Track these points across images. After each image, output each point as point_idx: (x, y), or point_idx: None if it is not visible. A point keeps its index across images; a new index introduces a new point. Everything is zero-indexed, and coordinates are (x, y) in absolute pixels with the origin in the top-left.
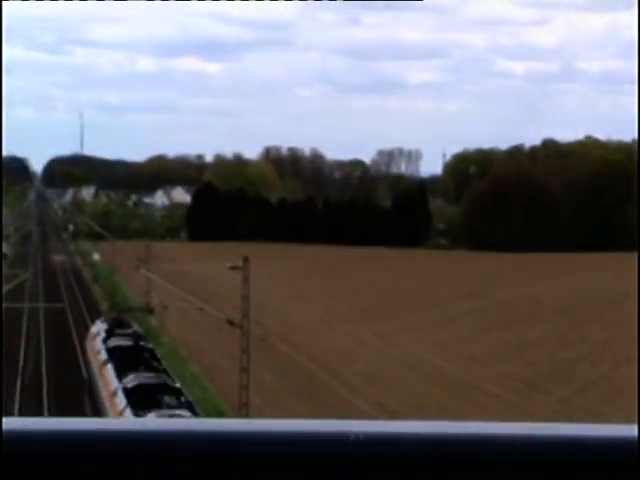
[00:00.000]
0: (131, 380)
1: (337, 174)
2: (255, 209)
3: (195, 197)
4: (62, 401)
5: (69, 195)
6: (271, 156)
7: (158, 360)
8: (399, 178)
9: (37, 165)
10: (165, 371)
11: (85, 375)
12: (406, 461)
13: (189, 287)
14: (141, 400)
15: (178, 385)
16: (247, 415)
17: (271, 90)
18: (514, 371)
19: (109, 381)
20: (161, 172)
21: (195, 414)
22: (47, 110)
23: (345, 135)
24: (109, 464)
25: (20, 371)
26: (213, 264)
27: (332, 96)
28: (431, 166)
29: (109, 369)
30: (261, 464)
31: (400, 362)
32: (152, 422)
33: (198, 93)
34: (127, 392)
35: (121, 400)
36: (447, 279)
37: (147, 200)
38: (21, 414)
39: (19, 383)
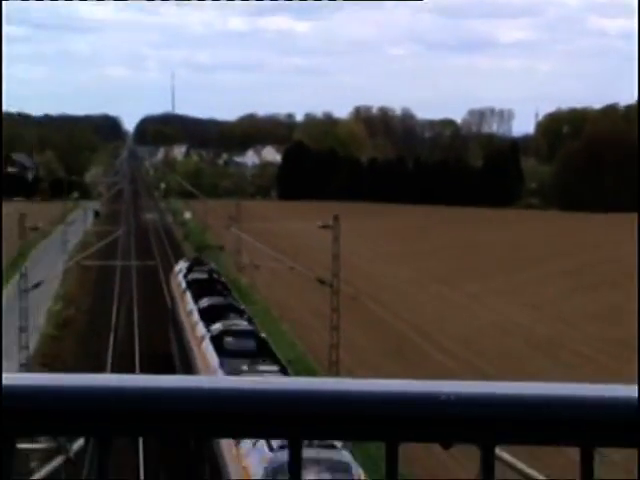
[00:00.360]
0: (204, 302)
1: (428, 133)
2: (345, 168)
3: (285, 156)
4: (154, 357)
5: (160, 154)
6: (361, 115)
7: (228, 290)
8: (490, 138)
9: (129, 124)
10: (233, 297)
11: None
12: (497, 422)
13: (279, 246)
14: (211, 316)
15: (242, 307)
16: (337, 374)
17: (361, 49)
18: (605, 332)
19: (187, 304)
20: (252, 131)
21: (251, 323)
22: (139, 69)
23: (436, 94)
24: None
25: (113, 327)
26: (303, 223)
27: (423, 55)
28: (523, 126)
29: (187, 296)
30: (350, 424)
31: (492, 323)
32: (229, 380)
33: (288, 52)
34: (200, 311)
35: (195, 316)
36: (538, 239)
37: (238, 159)
38: (113, 371)
39: (112, 340)
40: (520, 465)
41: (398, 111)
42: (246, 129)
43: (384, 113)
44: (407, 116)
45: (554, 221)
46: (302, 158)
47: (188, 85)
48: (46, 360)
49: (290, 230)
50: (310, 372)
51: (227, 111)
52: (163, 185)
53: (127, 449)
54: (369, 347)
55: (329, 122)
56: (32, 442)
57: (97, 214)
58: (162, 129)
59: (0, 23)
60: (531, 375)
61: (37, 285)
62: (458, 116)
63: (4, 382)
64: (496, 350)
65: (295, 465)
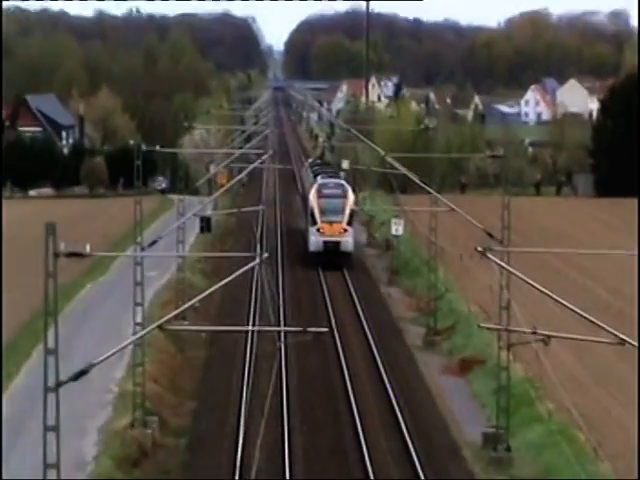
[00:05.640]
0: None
1: None
2: None
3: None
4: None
5: (341, 93)
6: None
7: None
8: None
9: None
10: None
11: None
12: None
13: (596, 294)
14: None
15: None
16: None
17: None
18: None
19: (310, 175)
20: None
21: (338, 178)
22: None
23: None
24: None
25: None
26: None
27: None
28: None
29: (309, 171)
30: None
31: None
32: None
33: None
34: (314, 170)
35: (311, 175)
36: None
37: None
38: None
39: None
40: None
41: None
42: None
43: None
44: None
45: None
46: None
47: None
48: None
49: (599, 260)
50: None
51: None
52: (345, 162)
53: None
54: None
55: None
56: None
57: (204, 226)
58: (342, 42)
59: (0, 23)
60: None
61: None
62: None
63: None
64: None
65: None
